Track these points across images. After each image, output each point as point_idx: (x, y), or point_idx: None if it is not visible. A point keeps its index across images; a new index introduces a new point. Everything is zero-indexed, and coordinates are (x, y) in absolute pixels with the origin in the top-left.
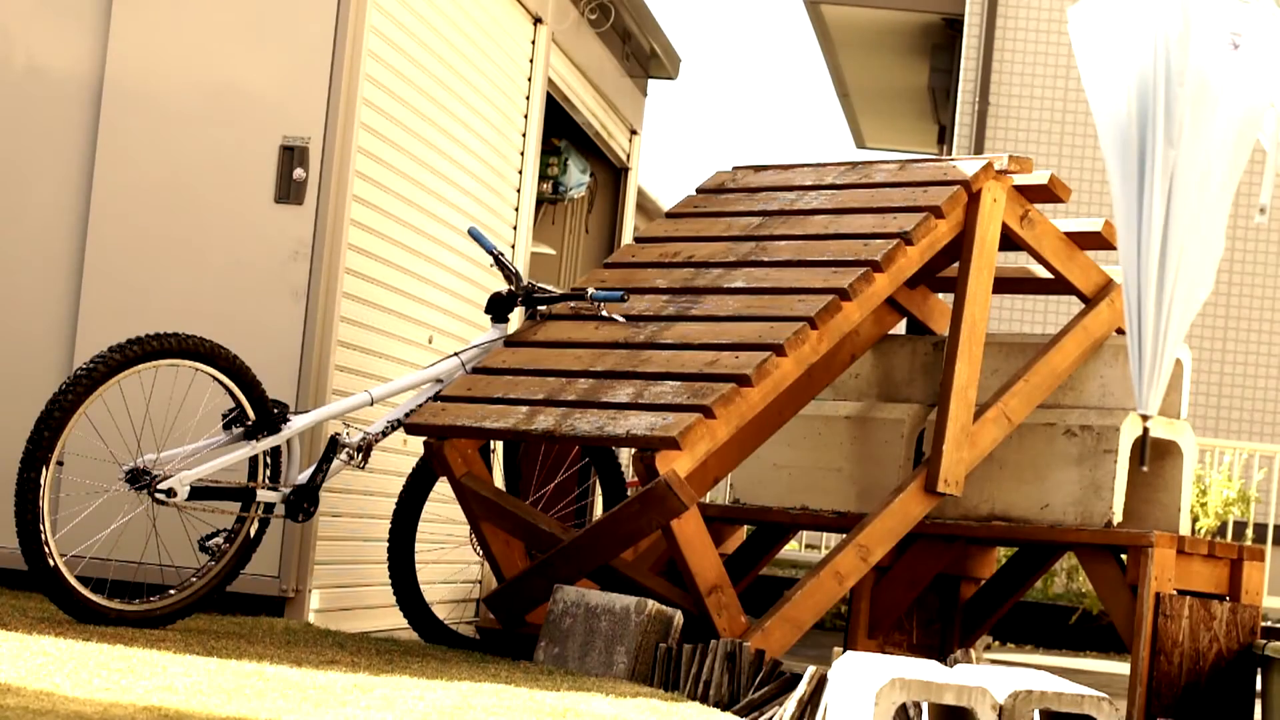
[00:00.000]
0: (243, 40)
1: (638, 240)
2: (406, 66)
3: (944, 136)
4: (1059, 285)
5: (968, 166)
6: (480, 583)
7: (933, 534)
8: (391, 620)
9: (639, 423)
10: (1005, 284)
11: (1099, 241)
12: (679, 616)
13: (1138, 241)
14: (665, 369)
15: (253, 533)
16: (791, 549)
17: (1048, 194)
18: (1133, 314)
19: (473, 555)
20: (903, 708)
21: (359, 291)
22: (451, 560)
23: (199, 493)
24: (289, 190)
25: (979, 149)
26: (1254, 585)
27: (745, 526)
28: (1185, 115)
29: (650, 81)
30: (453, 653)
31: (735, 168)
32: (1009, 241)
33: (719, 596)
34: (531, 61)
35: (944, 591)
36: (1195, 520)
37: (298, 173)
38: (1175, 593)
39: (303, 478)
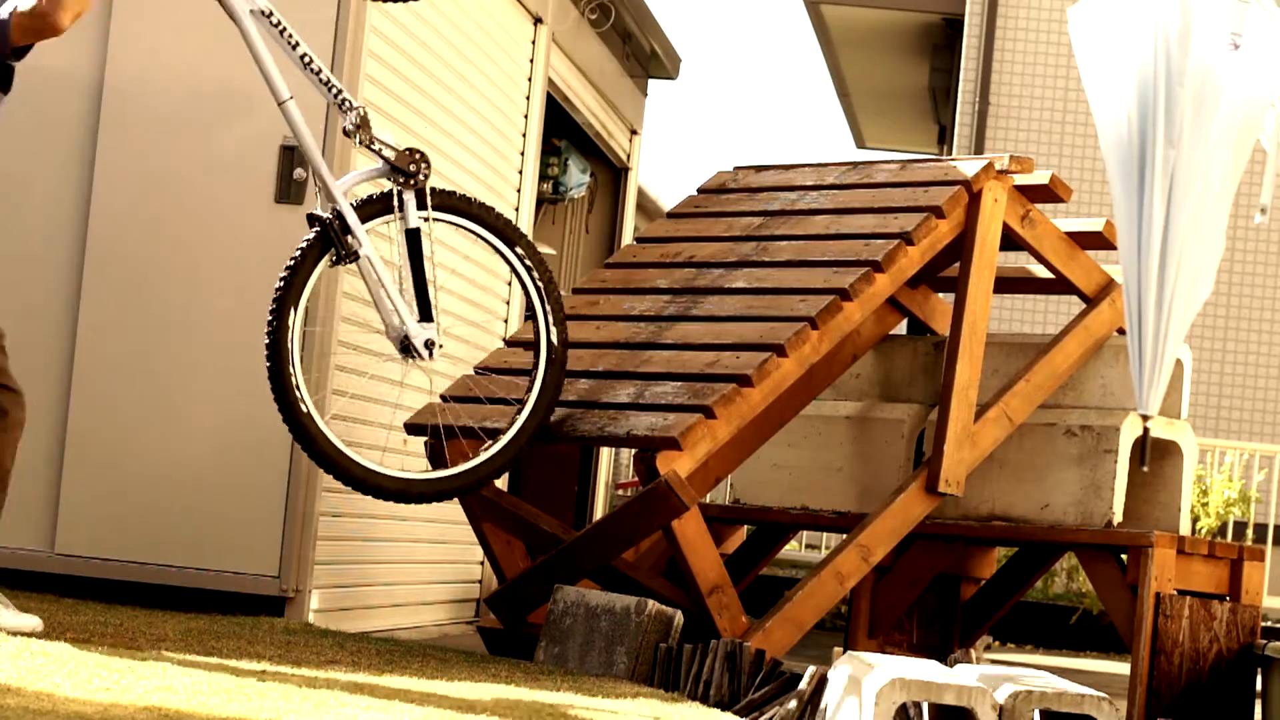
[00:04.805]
0: (243, 41)
1: (639, 240)
2: (406, 66)
3: (944, 137)
4: (1060, 285)
5: (968, 167)
6: (481, 583)
7: (933, 534)
8: (391, 620)
9: (640, 423)
10: (1006, 284)
11: (1100, 241)
12: (679, 616)
13: (1138, 241)
14: (666, 369)
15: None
16: (791, 549)
17: (1048, 194)
18: (1133, 314)
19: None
20: (903, 708)
21: (359, 291)
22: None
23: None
24: (289, 190)
25: (979, 149)
26: (1254, 585)
27: (745, 526)
28: (1185, 115)
29: (650, 81)
30: (453, 653)
31: (736, 168)
32: (1010, 241)
33: (719, 596)
34: (532, 61)
35: (944, 591)
36: (1196, 520)
37: (298, 173)
38: (1175, 593)
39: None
